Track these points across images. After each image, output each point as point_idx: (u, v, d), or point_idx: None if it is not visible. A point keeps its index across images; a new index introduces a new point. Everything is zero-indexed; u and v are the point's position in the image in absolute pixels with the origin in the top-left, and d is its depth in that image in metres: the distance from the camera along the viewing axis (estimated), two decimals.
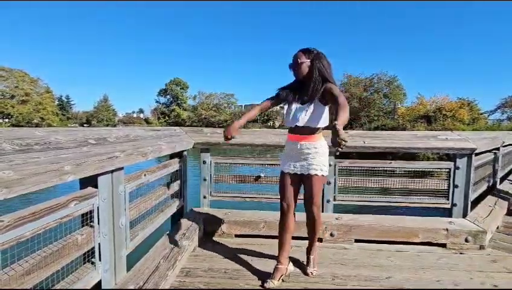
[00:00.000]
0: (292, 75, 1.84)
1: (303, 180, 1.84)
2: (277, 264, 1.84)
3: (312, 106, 1.73)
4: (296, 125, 1.78)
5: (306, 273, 1.89)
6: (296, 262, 2.02)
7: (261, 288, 1.74)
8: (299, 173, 1.81)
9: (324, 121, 1.77)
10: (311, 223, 1.87)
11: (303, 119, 1.75)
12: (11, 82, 38.65)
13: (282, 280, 1.81)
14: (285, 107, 1.87)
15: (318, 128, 1.78)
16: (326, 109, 1.77)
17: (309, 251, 1.96)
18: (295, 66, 1.77)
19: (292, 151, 1.83)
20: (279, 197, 2.66)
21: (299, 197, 1.91)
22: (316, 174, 1.76)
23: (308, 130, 1.77)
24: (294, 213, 1.88)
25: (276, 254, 1.91)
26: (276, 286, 1.75)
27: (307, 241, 1.98)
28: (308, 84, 1.74)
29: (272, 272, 1.82)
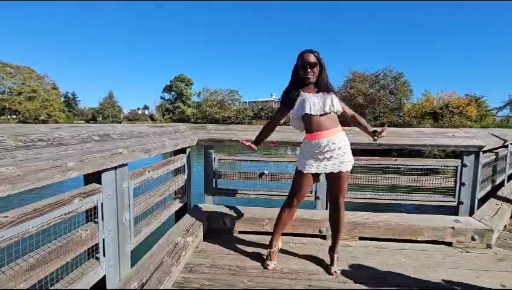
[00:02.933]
0: (293, 75, 1.87)
1: (330, 177, 1.85)
2: (272, 248, 1.97)
3: (327, 96, 1.76)
4: (318, 114, 1.76)
5: (330, 273, 1.86)
6: (300, 258, 2.02)
7: (263, 287, 1.74)
8: (329, 171, 1.79)
9: (339, 106, 1.79)
10: (338, 218, 1.90)
11: (324, 106, 1.75)
12: (18, 79, 39.08)
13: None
14: (294, 110, 1.84)
15: (336, 120, 1.81)
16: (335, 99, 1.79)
17: (333, 249, 1.95)
18: (312, 68, 1.76)
19: (316, 151, 1.78)
20: (283, 194, 2.65)
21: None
22: (348, 170, 1.82)
23: (330, 123, 1.76)
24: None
25: (280, 250, 2.03)
26: (272, 267, 1.92)
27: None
28: (316, 87, 1.81)
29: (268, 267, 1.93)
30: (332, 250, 1.95)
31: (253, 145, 2.02)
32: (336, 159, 1.76)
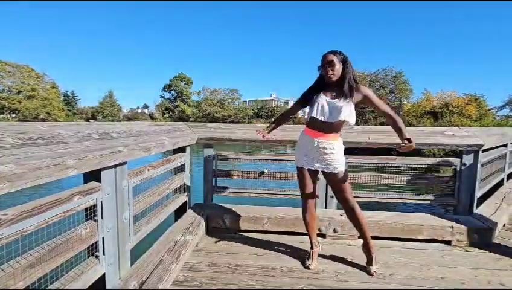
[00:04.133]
0: (318, 76, 1.85)
1: (326, 178, 1.91)
2: (313, 248, 2.00)
3: (342, 103, 1.73)
4: (321, 120, 1.77)
5: (370, 274, 1.84)
6: (300, 257, 2.02)
7: (263, 286, 1.74)
8: (320, 169, 1.85)
9: (347, 117, 1.75)
10: (356, 217, 1.89)
11: (331, 114, 1.75)
12: (18, 77, 38.99)
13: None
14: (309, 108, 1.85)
15: (339, 127, 1.82)
16: (353, 107, 1.77)
17: (367, 247, 1.92)
18: (331, 67, 1.73)
19: (308, 147, 1.85)
20: (282, 193, 2.66)
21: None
22: (341, 170, 1.82)
23: (330, 128, 1.79)
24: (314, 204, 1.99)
25: (280, 249, 2.08)
26: (313, 267, 1.92)
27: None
28: (340, 85, 1.75)
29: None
30: (366, 249, 1.92)
31: (264, 132, 2.11)
32: (322, 161, 1.82)
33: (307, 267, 1.92)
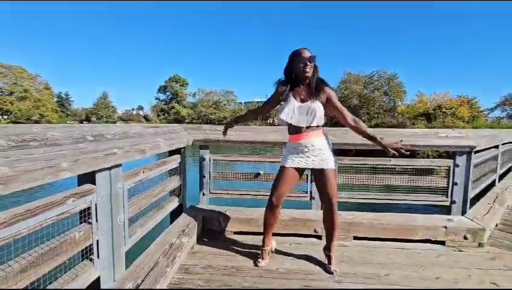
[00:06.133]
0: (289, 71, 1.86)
1: (315, 176, 1.90)
2: (264, 247, 2.00)
3: (314, 104, 1.77)
4: (298, 126, 1.82)
5: (330, 272, 1.86)
6: (296, 258, 2.02)
7: (259, 287, 1.74)
8: (311, 167, 1.85)
9: (321, 119, 1.82)
10: (332, 219, 1.89)
11: (306, 118, 1.79)
12: (10, 78, 38.46)
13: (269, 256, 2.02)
14: (283, 104, 1.87)
15: (318, 126, 1.84)
16: (322, 108, 1.80)
17: (329, 248, 1.95)
18: (312, 63, 1.77)
19: (297, 149, 1.87)
20: None
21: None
22: (331, 168, 1.84)
23: (312, 128, 1.82)
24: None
25: (276, 251, 2.07)
26: (267, 264, 1.95)
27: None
28: (309, 84, 1.80)
29: (261, 266, 1.95)
30: (328, 249, 1.95)
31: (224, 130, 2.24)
32: (316, 157, 1.84)
33: (256, 265, 1.94)
